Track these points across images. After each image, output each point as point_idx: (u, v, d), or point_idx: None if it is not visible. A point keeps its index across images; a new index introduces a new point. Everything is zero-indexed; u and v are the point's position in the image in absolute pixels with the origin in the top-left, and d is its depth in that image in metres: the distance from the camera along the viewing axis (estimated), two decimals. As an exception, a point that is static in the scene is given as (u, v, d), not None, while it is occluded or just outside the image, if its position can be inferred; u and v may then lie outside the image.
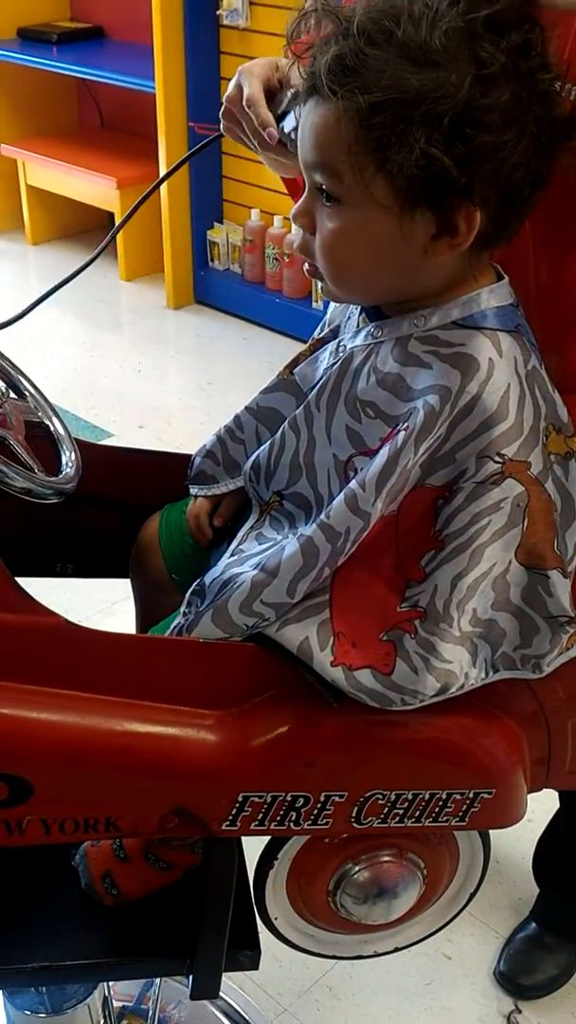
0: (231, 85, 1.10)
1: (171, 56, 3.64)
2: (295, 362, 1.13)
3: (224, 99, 1.11)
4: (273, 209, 3.74)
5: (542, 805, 1.12)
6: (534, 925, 1.77)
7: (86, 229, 4.68)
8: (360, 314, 1.03)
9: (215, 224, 4.00)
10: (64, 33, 4.34)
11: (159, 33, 3.59)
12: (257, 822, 0.99)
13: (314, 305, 3.73)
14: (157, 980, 1.57)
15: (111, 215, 4.27)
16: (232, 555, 1.05)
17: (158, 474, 1.28)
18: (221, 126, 1.14)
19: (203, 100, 3.75)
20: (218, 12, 3.60)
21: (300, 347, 1.15)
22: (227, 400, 3.41)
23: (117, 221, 4.16)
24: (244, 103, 1.07)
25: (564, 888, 1.72)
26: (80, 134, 4.67)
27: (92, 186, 4.18)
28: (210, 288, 4.07)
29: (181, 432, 3.25)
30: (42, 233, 4.68)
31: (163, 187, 3.84)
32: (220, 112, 1.13)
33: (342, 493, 0.94)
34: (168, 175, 1.30)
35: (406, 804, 1.01)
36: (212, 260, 4.05)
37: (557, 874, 1.72)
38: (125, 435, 3.20)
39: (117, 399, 3.43)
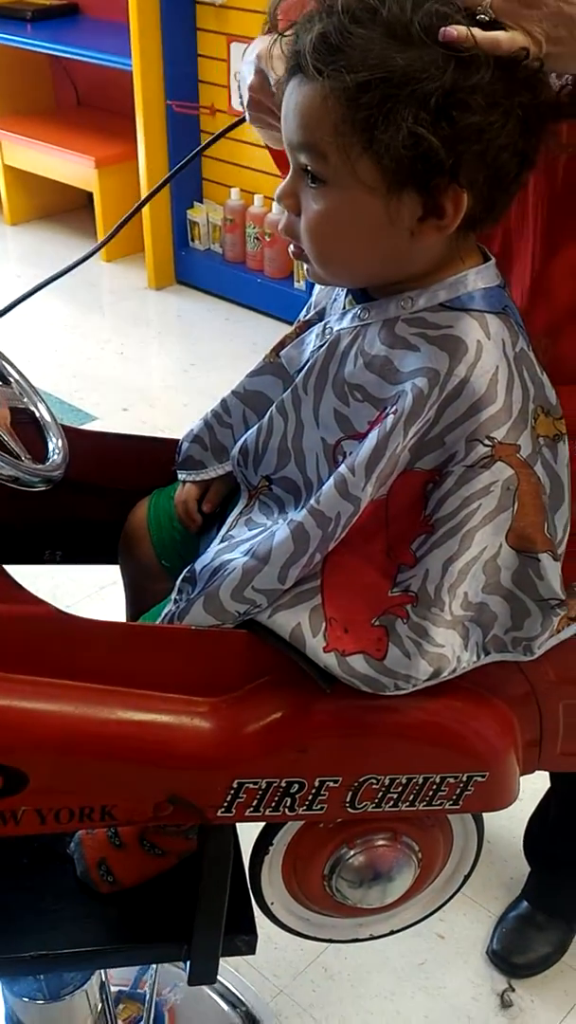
0: (248, 73, 1.07)
1: (147, 33, 3.61)
2: (281, 345, 1.12)
3: (247, 90, 1.08)
4: (253, 188, 3.72)
5: (532, 784, 1.13)
6: (526, 904, 1.78)
7: (65, 209, 4.65)
8: (346, 296, 1.02)
9: (195, 204, 3.97)
10: (38, 10, 4.30)
11: (135, 10, 3.55)
12: (252, 808, 0.99)
13: (296, 285, 3.71)
14: (154, 965, 1.57)
15: (90, 194, 4.24)
16: (222, 541, 1.05)
17: (146, 459, 1.27)
18: (248, 117, 1.11)
19: (180, 77, 3.73)
20: (194, -12, 3.57)
21: (283, 327, 1.15)
22: (210, 381, 3.39)
23: (96, 200, 4.14)
24: (275, 87, 1.04)
25: (554, 867, 1.73)
26: (56, 113, 4.63)
27: (70, 165, 4.15)
28: (191, 268, 4.04)
29: (165, 414, 3.24)
30: (21, 213, 4.65)
31: (141, 167, 3.83)
32: (245, 103, 1.10)
33: (332, 478, 0.93)
34: (184, 164, 1.25)
35: (400, 788, 1.01)
36: (192, 240, 4.03)
37: (547, 854, 1.73)
38: (109, 418, 3.18)
39: (100, 382, 3.41)
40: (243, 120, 1.15)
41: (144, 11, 3.56)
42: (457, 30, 0.81)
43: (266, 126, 1.11)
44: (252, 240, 3.80)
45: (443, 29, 0.81)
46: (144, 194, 3.88)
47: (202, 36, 3.68)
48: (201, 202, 3.97)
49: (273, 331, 3.62)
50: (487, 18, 0.83)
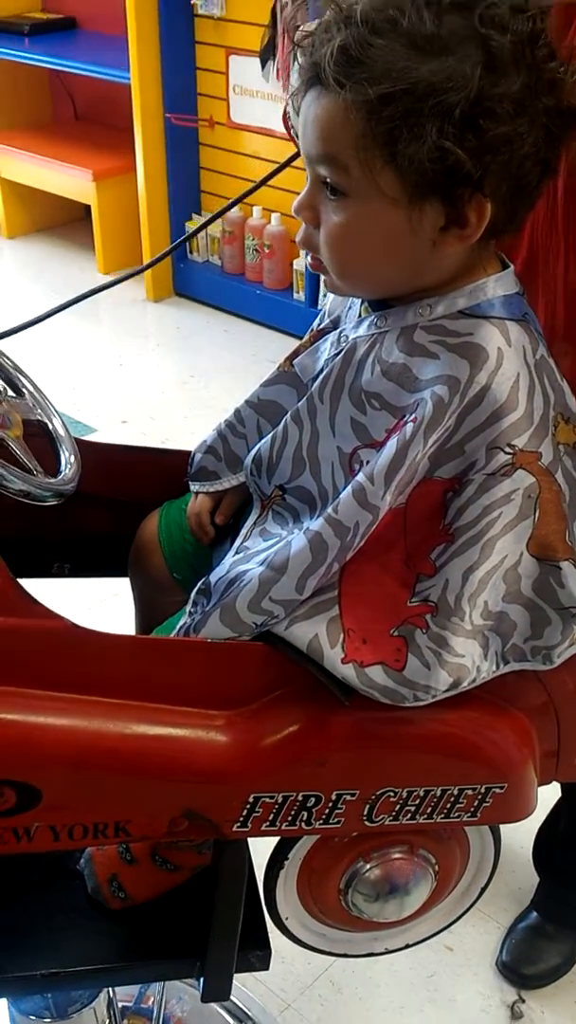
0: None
1: (145, 46, 3.61)
2: (295, 354, 1.12)
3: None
4: (252, 200, 3.72)
5: (541, 794, 1.12)
6: (535, 914, 1.77)
7: (63, 222, 4.65)
8: (362, 304, 1.01)
9: (193, 216, 3.97)
10: (36, 24, 4.30)
11: (133, 23, 3.56)
12: (268, 823, 0.98)
13: (295, 296, 3.71)
14: (162, 980, 1.56)
15: (88, 208, 4.24)
16: (237, 552, 1.04)
17: (156, 471, 1.26)
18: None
19: (179, 90, 3.73)
20: (192, 1, 3.57)
21: (282, 338, 1.15)
22: (210, 393, 3.39)
23: (94, 213, 4.14)
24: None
25: (564, 878, 1.72)
26: (54, 126, 4.63)
27: (68, 179, 4.15)
28: (190, 280, 4.04)
29: (165, 426, 3.23)
30: (19, 227, 4.64)
31: (140, 180, 3.83)
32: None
33: (349, 487, 0.92)
34: (257, 186, 1.21)
35: (418, 801, 1.00)
36: (191, 252, 4.03)
37: (557, 864, 1.72)
38: (108, 430, 3.18)
39: (99, 394, 3.40)
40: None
41: (142, 24, 3.57)
42: None
43: None
44: (251, 252, 3.80)
45: None
46: (142, 208, 3.88)
47: (201, 49, 3.69)
48: (200, 214, 3.97)
49: (272, 343, 3.61)
50: None
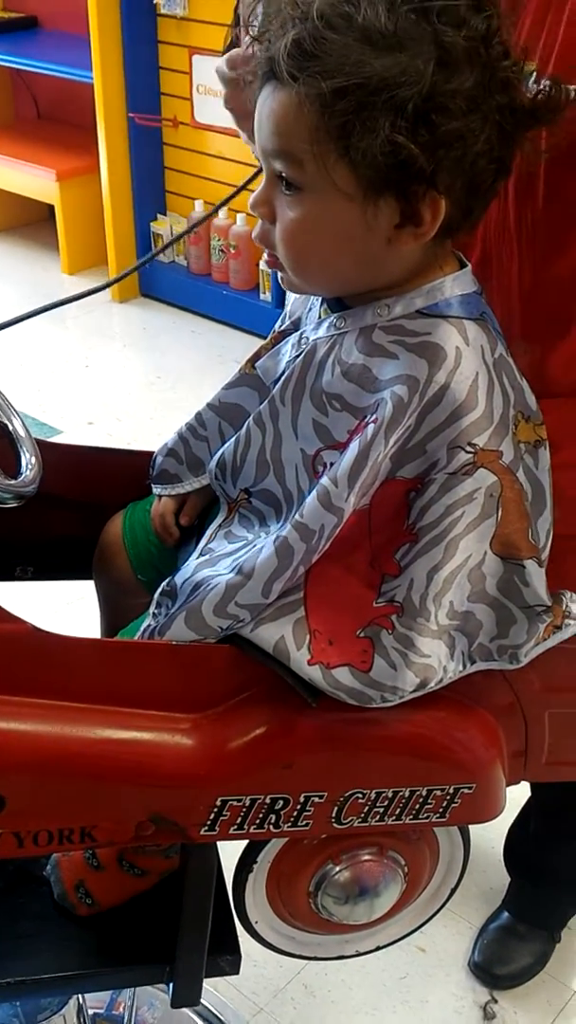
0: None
1: (108, 46, 3.59)
2: (256, 356, 1.11)
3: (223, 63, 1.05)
4: (217, 200, 3.70)
5: (510, 794, 1.12)
6: (507, 914, 1.77)
7: (26, 222, 4.61)
8: (321, 305, 1.01)
9: (158, 216, 3.95)
10: (-3, 23, 4.27)
11: (95, 22, 3.53)
12: (236, 826, 0.98)
13: (262, 297, 3.70)
14: (132, 987, 1.55)
15: (51, 207, 4.21)
16: (202, 555, 1.03)
17: (120, 472, 1.25)
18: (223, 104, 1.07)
19: (142, 90, 3.71)
20: (155, 0, 3.55)
21: (248, 339, 1.14)
22: (177, 394, 3.37)
23: (57, 213, 4.11)
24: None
25: (536, 877, 1.72)
26: (16, 126, 4.60)
27: (31, 179, 4.12)
28: (155, 281, 4.02)
29: (131, 427, 3.21)
30: (-19, 227, 4.61)
31: (104, 180, 3.81)
32: (217, 68, 1.06)
33: (314, 490, 0.92)
34: (234, 194, 1.18)
35: (386, 802, 1.00)
36: (156, 252, 4.01)
37: (529, 864, 1.72)
38: (74, 432, 3.15)
39: (64, 395, 3.38)
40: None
41: (105, 24, 3.55)
42: None
43: (238, 108, 1.08)
44: (217, 252, 3.79)
45: None
46: (106, 208, 3.86)
47: (164, 48, 3.67)
48: (165, 214, 3.95)
49: (239, 343, 3.60)
50: None
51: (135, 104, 3.70)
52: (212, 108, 3.56)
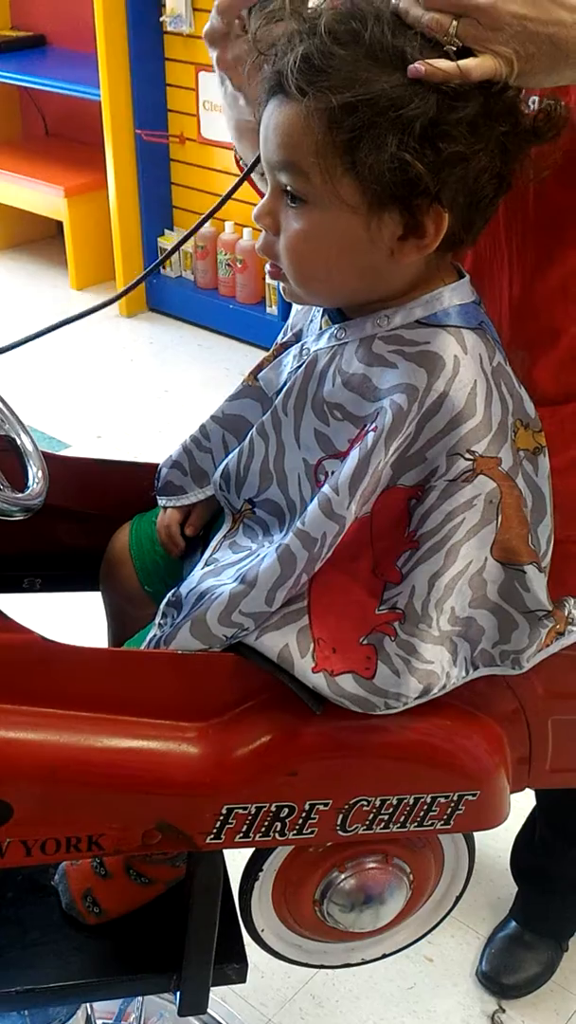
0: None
1: (115, 63, 3.62)
2: (259, 368, 1.12)
3: (208, 28, 1.02)
4: (224, 215, 3.73)
5: (516, 803, 1.12)
6: (514, 924, 1.77)
7: (35, 238, 4.64)
8: (322, 316, 1.02)
9: (165, 231, 3.97)
10: (5, 41, 4.30)
11: (103, 40, 3.56)
12: (242, 834, 0.98)
13: (268, 311, 3.72)
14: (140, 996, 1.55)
15: (60, 224, 4.24)
16: (207, 565, 1.04)
17: (126, 485, 1.26)
18: (212, 57, 1.05)
19: (149, 107, 3.74)
20: (161, 19, 3.58)
21: (255, 352, 1.15)
22: (185, 407, 3.39)
23: (66, 229, 4.14)
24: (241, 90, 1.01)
25: (543, 886, 1.72)
26: (25, 143, 4.63)
27: (39, 195, 4.14)
28: (163, 295, 4.04)
29: (139, 441, 3.22)
30: (-10, 244, 4.64)
31: (111, 196, 3.84)
32: (205, 32, 1.02)
33: (316, 499, 0.93)
34: (223, 200, 1.19)
35: (391, 809, 1.00)
36: (164, 267, 4.03)
37: (535, 873, 1.72)
38: (83, 445, 3.17)
39: (73, 409, 3.40)
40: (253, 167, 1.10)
41: (112, 41, 3.58)
42: (424, 65, 0.81)
43: (224, 65, 1.03)
44: (224, 267, 3.81)
45: (410, 66, 0.81)
46: (114, 224, 3.89)
47: (170, 65, 3.70)
48: (172, 229, 3.98)
49: (246, 357, 3.62)
50: (455, 47, 0.83)
51: (142, 121, 3.72)
52: (219, 124, 3.58)
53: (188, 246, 3.89)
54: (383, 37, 0.83)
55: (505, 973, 1.73)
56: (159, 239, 3.96)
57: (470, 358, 0.91)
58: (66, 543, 1.30)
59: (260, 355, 1.13)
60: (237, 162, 1.17)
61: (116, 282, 4.03)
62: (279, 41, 0.87)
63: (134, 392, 3.58)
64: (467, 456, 0.90)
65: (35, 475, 1.12)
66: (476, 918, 1.83)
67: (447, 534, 0.92)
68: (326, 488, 0.92)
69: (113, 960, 1.14)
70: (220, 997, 1.65)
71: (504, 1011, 1.71)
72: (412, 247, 0.88)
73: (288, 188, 0.89)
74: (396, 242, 0.88)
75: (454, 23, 0.82)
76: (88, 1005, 1.33)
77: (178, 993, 1.13)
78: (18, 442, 1.13)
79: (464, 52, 0.83)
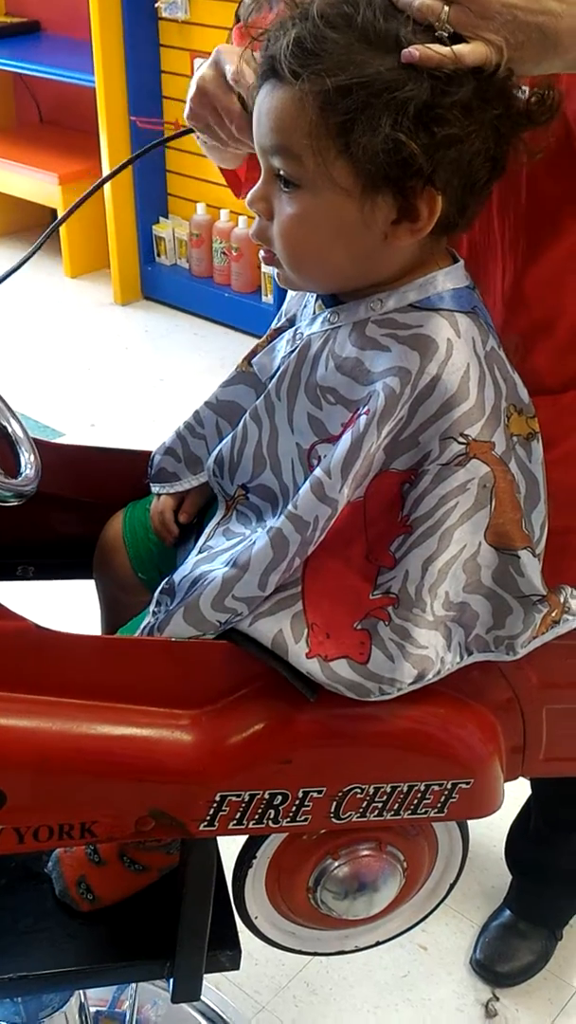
0: (205, 66, 1.05)
1: (110, 50, 3.60)
2: (252, 353, 1.12)
3: (196, 81, 1.05)
4: (219, 203, 3.72)
5: (510, 792, 1.12)
6: (508, 912, 1.77)
7: (29, 226, 4.62)
8: (316, 301, 1.02)
9: (160, 219, 3.96)
10: None
11: (97, 26, 3.55)
12: (235, 821, 0.98)
13: (264, 299, 3.71)
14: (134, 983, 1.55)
15: (54, 211, 4.22)
16: (200, 552, 1.04)
17: (119, 472, 1.26)
18: (186, 113, 1.08)
19: (144, 94, 3.72)
20: (156, 4, 3.56)
21: (251, 341, 1.14)
22: (180, 396, 3.38)
23: (60, 217, 4.12)
24: (231, 79, 1.02)
25: (537, 875, 1.73)
26: (19, 130, 4.61)
27: (33, 182, 4.13)
28: (158, 284, 4.03)
29: (134, 430, 3.22)
30: (-17, 231, 4.62)
31: (107, 182, 3.81)
32: (189, 97, 1.07)
33: (308, 481, 0.93)
34: (118, 171, 1.23)
35: (384, 797, 1.00)
36: (159, 255, 4.02)
37: (530, 862, 1.72)
38: (77, 434, 3.16)
39: (67, 398, 3.39)
40: (189, 130, 1.12)
41: (107, 28, 3.56)
42: (418, 50, 0.81)
43: (203, 125, 1.08)
44: (219, 255, 3.80)
45: (404, 51, 0.81)
46: (109, 211, 3.88)
47: (165, 52, 3.68)
48: (167, 217, 3.97)
49: (241, 345, 3.58)
50: (446, 33, 0.83)
51: (137, 108, 3.71)
52: (213, 111, 3.58)
53: (183, 234, 3.88)
54: (375, 20, 0.82)
55: (499, 961, 1.74)
56: (154, 227, 3.95)
57: (463, 342, 0.91)
58: (59, 531, 1.30)
59: (256, 344, 1.12)
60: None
61: (111, 270, 4.02)
62: (271, 27, 0.87)
63: (129, 381, 3.57)
64: (460, 440, 0.90)
65: (27, 461, 1.11)
66: (470, 906, 1.83)
67: (440, 518, 0.91)
68: (318, 471, 0.92)
69: (106, 947, 1.14)
70: (214, 984, 1.66)
71: (498, 999, 1.71)
72: (406, 231, 0.88)
73: (281, 172, 0.89)
74: (390, 226, 0.88)
75: (446, 9, 0.82)
76: (81, 992, 1.33)
77: (171, 980, 1.13)
78: (9, 430, 1.12)
79: (456, 38, 0.83)
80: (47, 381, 3.49)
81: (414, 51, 0.81)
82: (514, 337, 1.02)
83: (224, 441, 1.08)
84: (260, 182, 0.92)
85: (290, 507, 0.93)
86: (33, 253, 1.19)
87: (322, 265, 0.93)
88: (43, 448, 1.16)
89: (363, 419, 0.90)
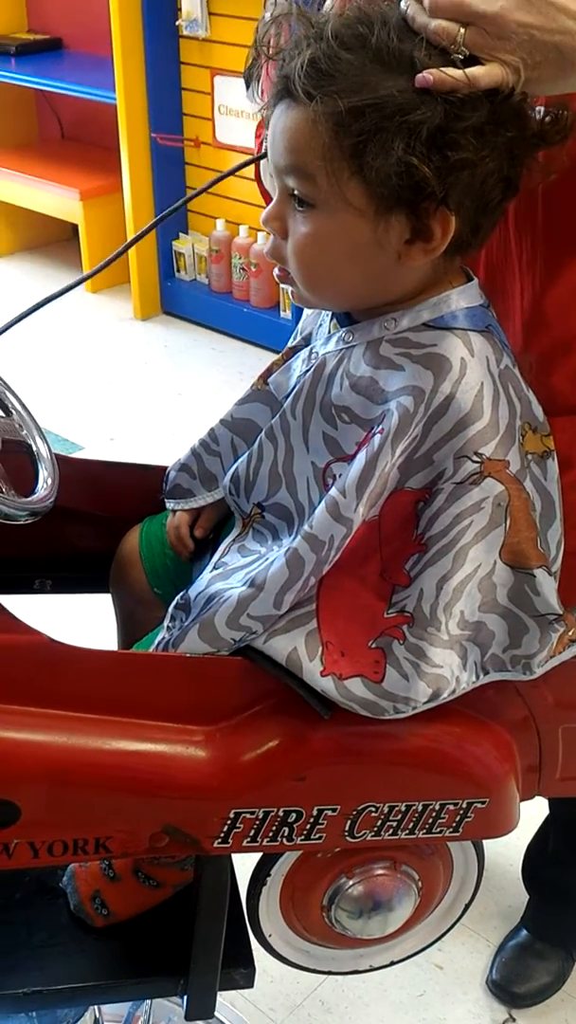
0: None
1: (131, 67, 3.62)
2: (268, 372, 1.12)
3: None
4: (238, 219, 3.73)
5: (528, 811, 1.12)
6: (525, 932, 1.75)
7: (50, 241, 4.65)
8: (331, 320, 1.02)
9: (180, 235, 3.98)
10: (22, 44, 4.31)
11: (119, 43, 3.57)
12: (249, 839, 0.98)
13: (282, 315, 3.72)
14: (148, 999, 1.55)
15: (75, 227, 4.25)
16: (215, 568, 1.04)
17: (136, 487, 1.26)
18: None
19: (165, 110, 3.74)
20: (177, 22, 3.58)
21: (269, 356, 1.14)
22: (199, 411, 3.39)
23: (81, 232, 4.15)
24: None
25: (555, 896, 1.71)
26: (41, 146, 4.64)
27: (55, 198, 4.15)
28: (177, 299, 4.05)
29: (153, 444, 3.22)
30: (5, 246, 4.64)
31: (127, 199, 3.84)
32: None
33: (323, 501, 0.93)
34: (201, 191, 1.19)
35: (399, 816, 1.00)
36: (178, 271, 4.03)
37: (547, 882, 1.71)
38: (96, 448, 3.17)
39: (87, 412, 3.40)
40: (257, 159, 1.12)
41: (128, 45, 3.58)
42: (433, 74, 0.81)
43: None
44: (238, 270, 3.81)
45: (418, 76, 0.81)
46: (129, 227, 3.89)
47: (186, 70, 3.70)
48: (187, 233, 3.98)
49: (260, 360, 3.61)
50: (462, 55, 0.83)
51: (157, 124, 3.73)
52: (233, 128, 3.59)
53: (203, 250, 3.90)
54: (390, 42, 0.83)
55: (516, 982, 1.72)
56: (174, 242, 3.97)
57: (476, 360, 0.91)
58: (76, 545, 1.30)
59: (274, 359, 1.13)
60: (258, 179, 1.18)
61: (131, 285, 4.04)
62: (287, 46, 0.87)
63: (148, 395, 3.58)
64: (474, 458, 0.90)
65: (45, 480, 1.11)
66: (487, 926, 1.81)
67: (455, 537, 0.91)
68: (333, 491, 0.92)
69: (120, 963, 1.14)
70: (229, 1001, 1.65)
71: (514, 1020, 1.69)
72: (419, 250, 0.88)
73: (295, 192, 0.89)
74: (403, 245, 0.88)
75: (461, 31, 0.82)
76: (96, 1008, 1.33)
77: (185, 997, 1.12)
78: (33, 448, 1.13)
79: (471, 59, 0.83)
80: (67, 395, 3.50)
81: (428, 75, 0.81)
82: (528, 357, 1.02)
83: (240, 460, 1.08)
84: (275, 201, 0.92)
85: (306, 527, 0.93)
86: (56, 296, 1.19)
87: (336, 284, 0.93)
88: (60, 463, 1.17)
89: (377, 438, 0.90)
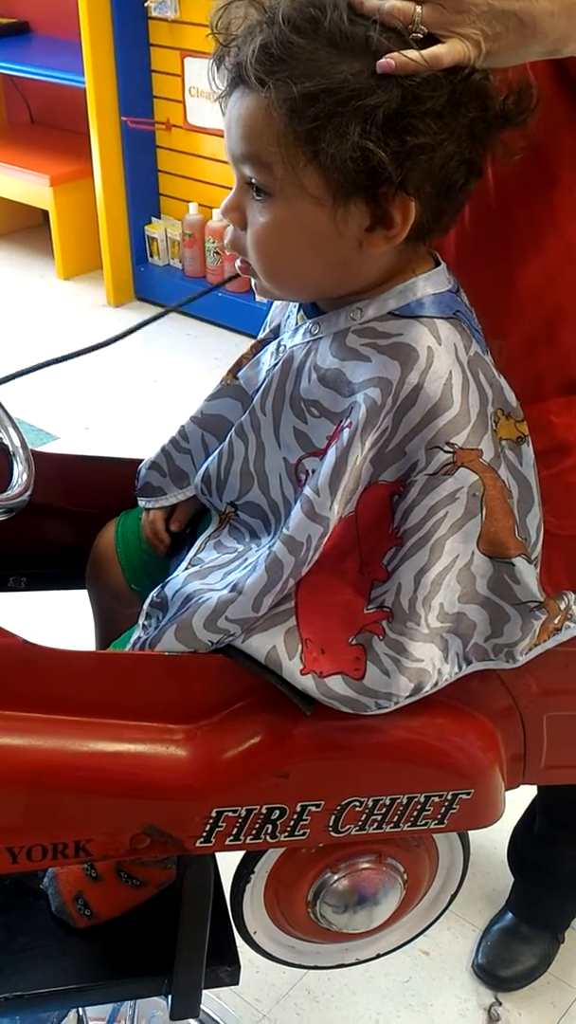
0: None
1: (100, 50, 3.58)
2: (238, 366, 1.10)
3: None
4: (211, 202, 3.70)
5: (511, 794, 1.11)
6: (510, 915, 1.76)
7: (20, 228, 4.60)
8: (298, 311, 1.00)
9: (152, 219, 3.94)
10: (-11, 29, 4.26)
11: (87, 26, 3.52)
12: (232, 837, 0.97)
13: (257, 299, 3.69)
14: (133, 998, 1.54)
15: (46, 213, 4.20)
16: (192, 565, 1.02)
17: (112, 481, 1.25)
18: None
19: (135, 93, 3.70)
20: (146, 4, 3.54)
21: (245, 341, 1.13)
22: (174, 397, 3.37)
23: (52, 218, 4.11)
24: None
25: (539, 878, 1.71)
26: (9, 131, 4.59)
27: (25, 184, 4.11)
28: (150, 284, 4.01)
29: (129, 432, 3.20)
30: (-25, 233, 4.60)
31: (98, 184, 3.81)
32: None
33: (298, 502, 0.91)
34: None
35: (384, 809, 0.99)
36: (151, 256, 4.00)
37: (532, 865, 1.71)
38: (71, 437, 3.15)
39: (60, 400, 3.37)
40: (236, 276, 1.09)
41: (96, 28, 3.54)
42: (395, 59, 0.79)
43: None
44: (212, 254, 3.78)
45: (379, 62, 0.79)
46: (100, 212, 3.85)
47: (156, 51, 3.66)
48: (159, 217, 3.95)
49: (235, 345, 3.59)
50: (421, 34, 0.80)
51: (128, 108, 3.69)
52: (205, 111, 3.55)
53: (176, 234, 3.87)
54: (342, 24, 0.80)
55: (501, 966, 1.72)
56: (146, 227, 3.93)
57: (444, 349, 0.89)
58: (51, 540, 1.28)
59: (249, 343, 1.11)
60: None
61: (104, 271, 4.00)
62: (240, 32, 0.85)
63: (123, 382, 3.55)
64: (446, 449, 0.89)
65: (19, 475, 1.09)
66: (472, 910, 1.82)
67: (430, 529, 0.90)
68: (307, 490, 0.91)
69: (104, 963, 1.13)
70: (214, 993, 1.64)
71: (500, 1004, 1.70)
72: (380, 238, 0.87)
73: (252, 181, 0.87)
74: (364, 233, 0.86)
75: (418, 10, 0.80)
76: (80, 1008, 1.31)
77: (169, 997, 1.11)
78: (4, 440, 1.11)
79: (429, 38, 0.81)
80: (40, 384, 3.45)
81: (390, 60, 0.79)
82: (498, 343, 1.00)
83: (211, 458, 1.06)
84: (232, 192, 0.90)
85: (284, 529, 0.92)
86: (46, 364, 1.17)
87: (296, 274, 0.92)
88: (35, 457, 1.15)
89: (346, 432, 0.88)
